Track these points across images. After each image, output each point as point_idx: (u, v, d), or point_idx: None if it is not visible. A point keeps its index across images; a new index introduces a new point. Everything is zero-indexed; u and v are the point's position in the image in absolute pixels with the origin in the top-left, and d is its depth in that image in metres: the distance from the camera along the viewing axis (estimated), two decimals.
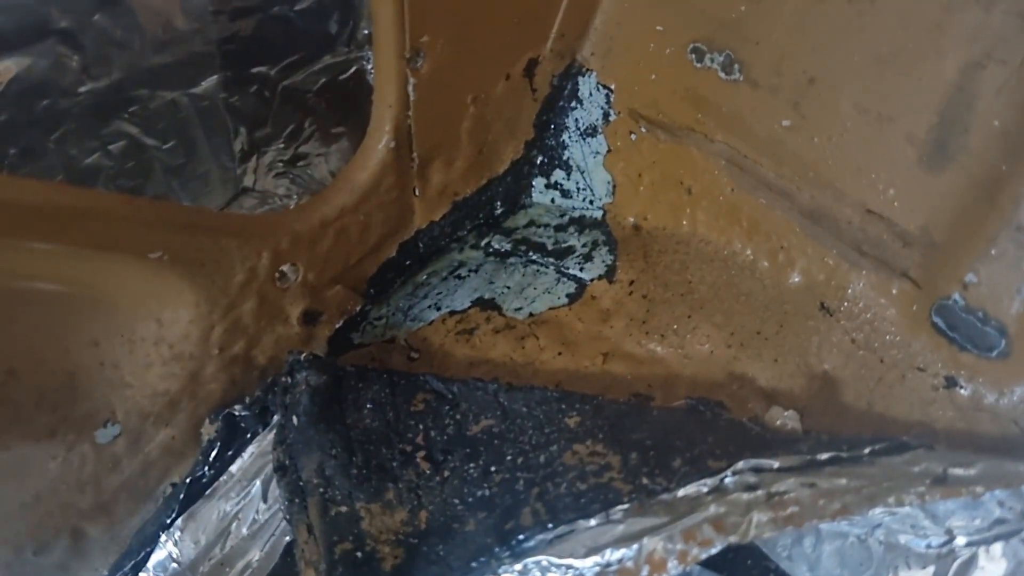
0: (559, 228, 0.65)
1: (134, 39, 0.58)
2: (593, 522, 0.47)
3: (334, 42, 0.66)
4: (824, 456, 0.47)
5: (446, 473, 0.54)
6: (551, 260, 0.64)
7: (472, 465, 0.54)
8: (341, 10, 0.64)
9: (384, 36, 0.53)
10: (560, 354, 0.59)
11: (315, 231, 0.58)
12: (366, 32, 0.66)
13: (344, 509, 0.53)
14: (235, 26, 0.61)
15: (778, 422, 0.52)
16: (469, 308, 0.63)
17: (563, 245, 0.64)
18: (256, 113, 0.66)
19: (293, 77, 0.66)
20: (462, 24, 0.56)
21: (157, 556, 0.58)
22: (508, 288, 0.64)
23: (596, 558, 0.46)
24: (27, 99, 0.56)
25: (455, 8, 0.55)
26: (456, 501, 0.52)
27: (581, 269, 0.63)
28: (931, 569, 0.48)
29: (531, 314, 0.62)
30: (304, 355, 0.59)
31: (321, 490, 0.53)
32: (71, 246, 0.50)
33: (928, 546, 0.48)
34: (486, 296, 0.64)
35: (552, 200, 0.67)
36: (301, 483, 0.54)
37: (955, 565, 0.47)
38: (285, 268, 0.58)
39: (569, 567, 0.46)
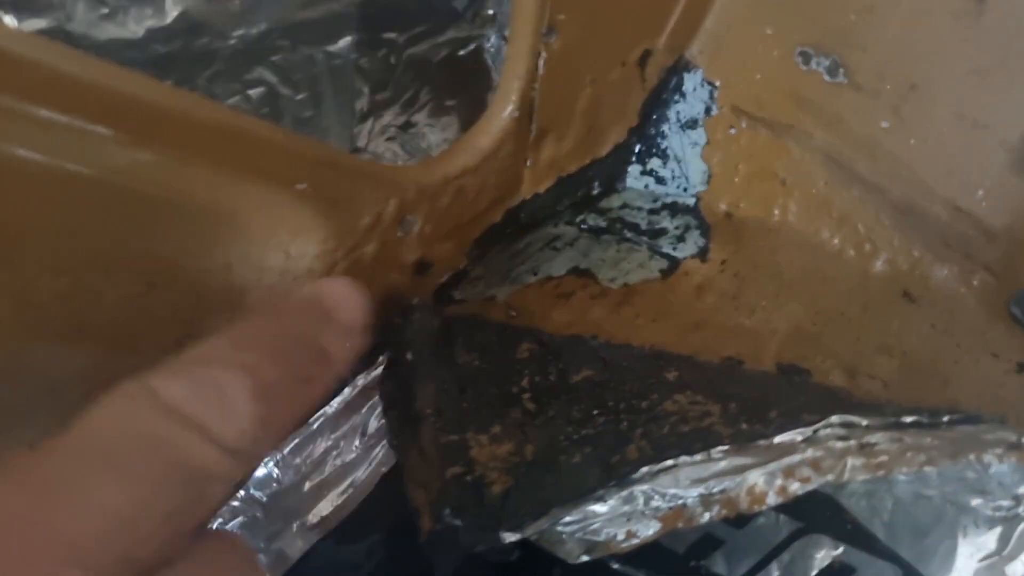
0: (652, 212, 0.70)
1: None
2: (696, 458, 0.51)
3: (459, 18, 0.71)
4: (908, 419, 0.52)
5: (551, 413, 0.58)
6: (644, 239, 0.69)
7: (575, 408, 0.58)
8: None
9: (525, 8, 0.58)
10: (654, 321, 0.64)
11: (438, 186, 0.62)
12: (490, 12, 0.71)
13: (455, 437, 0.57)
14: None
15: (863, 390, 0.56)
16: (565, 275, 0.68)
17: (656, 227, 0.69)
18: (380, 77, 0.71)
19: (418, 46, 0.71)
20: (596, 9, 0.60)
21: (258, 474, 0.62)
22: (603, 261, 0.68)
23: (700, 488, 0.50)
24: (189, 35, 0.61)
25: None
26: (561, 437, 0.56)
27: (674, 248, 0.68)
28: (998, 530, 0.52)
29: (625, 284, 0.67)
30: (416, 300, 0.63)
31: (433, 419, 0.57)
32: (231, 167, 0.54)
33: (996, 509, 0.53)
34: (582, 266, 0.68)
35: (646, 186, 0.72)
36: (413, 412, 0.58)
37: (1021, 527, 0.52)
38: (408, 217, 0.62)
39: (675, 496, 0.50)
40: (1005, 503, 0.52)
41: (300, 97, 0.68)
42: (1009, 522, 0.52)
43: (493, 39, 0.72)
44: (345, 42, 0.68)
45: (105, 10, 0.58)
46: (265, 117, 0.67)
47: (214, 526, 0.62)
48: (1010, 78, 0.55)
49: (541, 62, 0.60)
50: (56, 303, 0.54)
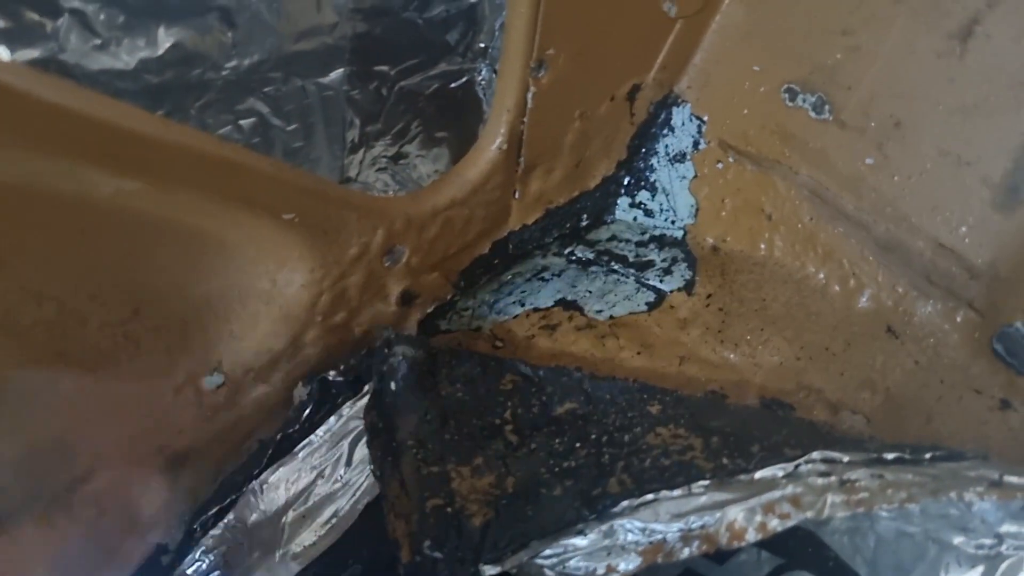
0: (640, 244, 0.71)
1: (281, 25, 0.64)
2: (676, 493, 0.51)
3: (452, 51, 0.72)
4: (889, 456, 0.52)
5: (532, 445, 0.58)
6: (632, 271, 0.69)
7: (558, 440, 0.58)
8: (464, 22, 0.70)
9: (515, 43, 0.58)
10: (639, 354, 0.64)
11: (425, 217, 0.63)
12: (482, 45, 0.72)
13: (436, 469, 0.57)
14: (368, 25, 0.67)
15: (846, 425, 0.56)
16: (552, 307, 0.68)
17: (644, 259, 0.69)
18: (371, 108, 0.71)
19: (410, 79, 0.71)
20: (584, 44, 0.61)
21: (242, 503, 0.62)
22: (590, 292, 0.68)
23: (680, 523, 0.50)
24: (182, 66, 0.61)
25: (581, 29, 0.60)
26: (543, 470, 0.56)
27: (661, 281, 0.68)
28: (980, 568, 0.52)
29: (611, 317, 0.67)
30: (398, 332, 0.63)
31: (415, 451, 0.57)
32: (219, 196, 0.54)
33: (979, 547, 0.52)
34: (568, 298, 0.68)
35: (635, 218, 0.72)
36: (395, 443, 0.58)
37: (1003, 566, 0.51)
38: (394, 248, 0.62)
39: (653, 530, 0.50)
40: (987, 541, 0.52)
41: (291, 128, 0.69)
42: (991, 560, 0.52)
43: (484, 72, 0.73)
44: (337, 74, 0.68)
45: (97, 41, 0.59)
46: (256, 147, 0.68)
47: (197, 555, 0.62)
48: (992, 116, 0.55)
49: (530, 96, 0.61)
50: (39, 329, 0.54)
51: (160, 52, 0.60)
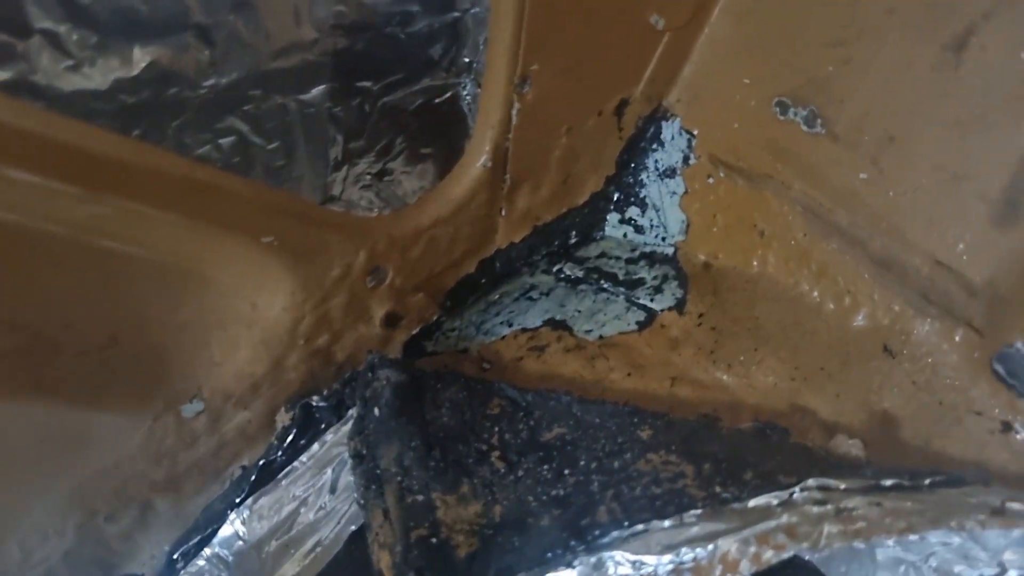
0: (630, 261, 0.69)
1: (260, 42, 0.62)
2: (667, 523, 0.50)
3: (435, 66, 0.70)
4: (888, 482, 0.50)
5: (520, 472, 0.56)
6: (622, 290, 0.67)
7: (546, 467, 0.56)
8: (448, 36, 0.69)
9: (498, 59, 0.57)
10: (629, 375, 0.62)
11: (409, 237, 0.61)
12: (466, 60, 0.70)
13: (420, 498, 0.55)
14: (349, 40, 0.65)
15: (842, 449, 0.55)
16: (540, 327, 0.66)
17: (634, 277, 0.68)
18: (354, 125, 0.70)
19: (393, 95, 0.70)
20: (569, 59, 0.60)
21: (224, 532, 0.60)
22: (579, 312, 0.67)
23: (671, 556, 0.48)
24: (158, 86, 0.60)
25: (566, 43, 0.59)
26: (530, 498, 0.54)
27: (651, 300, 0.66)
28: None
29: (601, 336, 0.65)
30: (383, 355, 0.62)
31: (399, 479, 0.56)
32: (195, 220, 0.53)
33: None
34: (557, 317, 0.67)
35: (624, 235, 0.70)
36: (379, 471, 0.57)
37: None
38: (377, 269, 0.61)
39: (643, 563, 0.49)
40: (990, 571, 0.50)
41: (272, 146, 0.67)
42: None
43: (469, 87, 0.71)
44: (318, 91, 0.67)
45: (70, 62, 0.58)
46: (237, 166, 0.66)
47: None
48: (989, 130, 0.53)
49: (515, 112, 0.59)
50: (13, 357, 0.53)
51: (135, 72, 0.59)
